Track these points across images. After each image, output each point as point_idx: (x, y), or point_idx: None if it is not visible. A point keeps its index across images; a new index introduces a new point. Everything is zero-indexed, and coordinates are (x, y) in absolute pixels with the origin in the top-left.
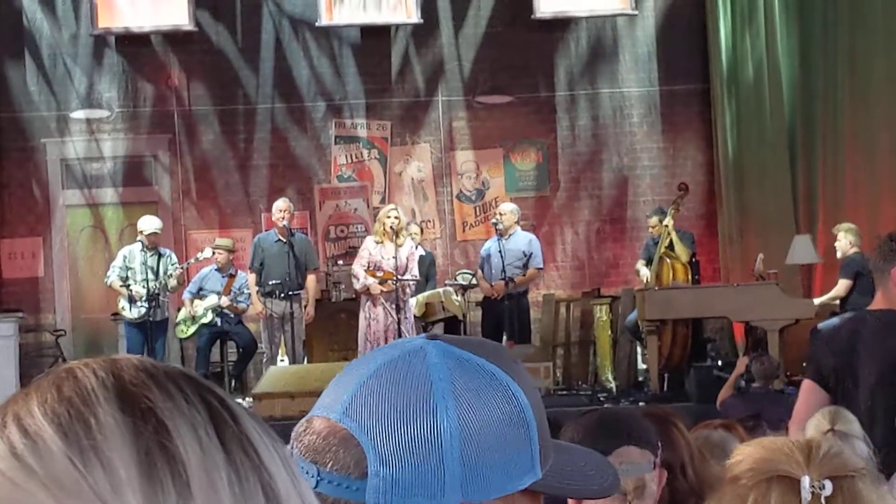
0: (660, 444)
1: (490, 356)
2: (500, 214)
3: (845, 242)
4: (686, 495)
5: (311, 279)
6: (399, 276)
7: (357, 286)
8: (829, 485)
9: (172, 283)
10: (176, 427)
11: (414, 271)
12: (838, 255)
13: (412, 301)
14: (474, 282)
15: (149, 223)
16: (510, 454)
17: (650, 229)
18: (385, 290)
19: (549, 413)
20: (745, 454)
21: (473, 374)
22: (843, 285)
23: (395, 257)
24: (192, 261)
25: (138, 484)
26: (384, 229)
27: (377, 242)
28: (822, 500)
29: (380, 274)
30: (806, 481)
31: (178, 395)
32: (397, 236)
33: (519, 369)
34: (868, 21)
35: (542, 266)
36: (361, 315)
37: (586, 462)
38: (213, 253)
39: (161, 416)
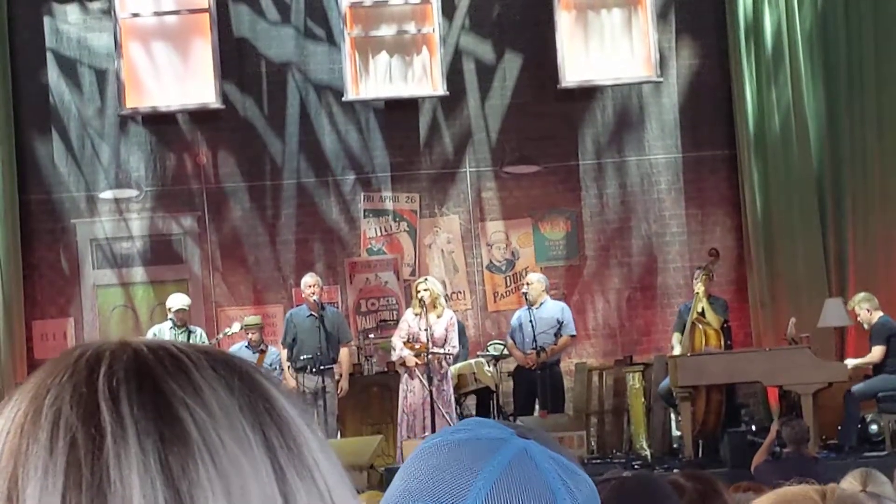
0: None
1: (564, 451)
2: (528, 284)
3: (864, 311)
4: None
5: (344, 353)
6: (430, 349)
7: (393, 357)
8: None
9: None
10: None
11: (454, 342)
12: (865, 326)
13: (450, 371)
14: (506, 352)
15: (177, 300)
16: None
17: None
18: (420, 362)
19: None
20: (765, 501)
21: (574, 476)
22: (877, 351)
23: (427, 329)
24: (221, 336)
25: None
26: (418, 302)
27: (416, 314)
28: None
29: (417, 346)
30: None
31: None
32: (434, 307)
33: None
34: (894, 83)
35: (574, 334)
36: (401, 387)
37: None
38: (242, 328)
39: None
